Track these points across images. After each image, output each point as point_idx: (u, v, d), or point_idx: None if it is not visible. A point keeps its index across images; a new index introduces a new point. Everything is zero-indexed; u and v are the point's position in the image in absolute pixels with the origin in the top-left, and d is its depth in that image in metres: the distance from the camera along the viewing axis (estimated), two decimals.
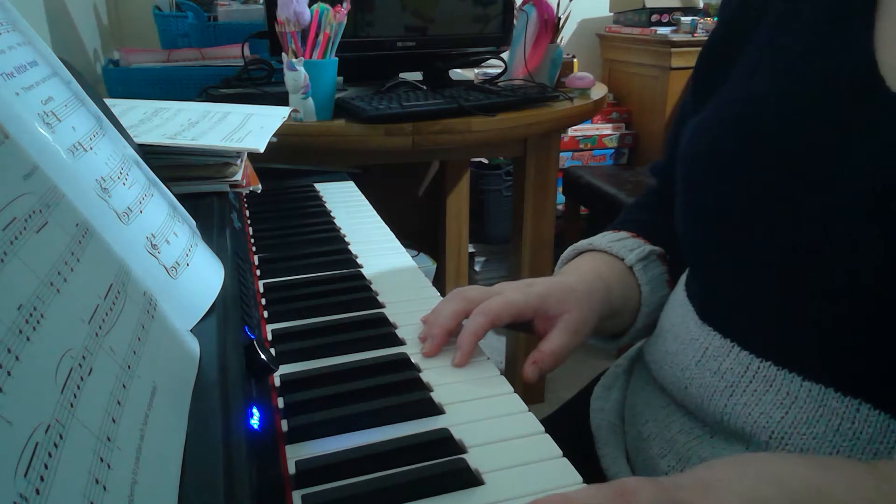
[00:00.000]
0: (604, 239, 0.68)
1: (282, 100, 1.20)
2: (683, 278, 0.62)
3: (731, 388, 0.51)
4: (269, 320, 0.61)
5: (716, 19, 0.66)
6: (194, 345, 0.45)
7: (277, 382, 0.51)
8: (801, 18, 0.53)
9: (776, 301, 0.49)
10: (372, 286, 0.68)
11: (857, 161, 0.45)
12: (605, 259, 0.66)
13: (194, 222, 0.61)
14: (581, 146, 2.49)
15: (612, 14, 2.50)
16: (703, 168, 0.55)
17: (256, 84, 1.39)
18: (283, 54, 1.19)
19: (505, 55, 1.55)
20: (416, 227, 2.20)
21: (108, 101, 0.74)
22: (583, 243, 0.69)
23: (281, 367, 0.53)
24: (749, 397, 0.50)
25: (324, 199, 0.97)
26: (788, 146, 0.49)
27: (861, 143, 0.45)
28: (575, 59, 1.72)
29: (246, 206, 0.90)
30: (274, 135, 0.83)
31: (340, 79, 1.38)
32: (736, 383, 0.51)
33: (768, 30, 0.55)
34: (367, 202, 0.97)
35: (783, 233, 0.48)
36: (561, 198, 2.29)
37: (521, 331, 0.61)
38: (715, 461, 0.42)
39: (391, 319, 0.61)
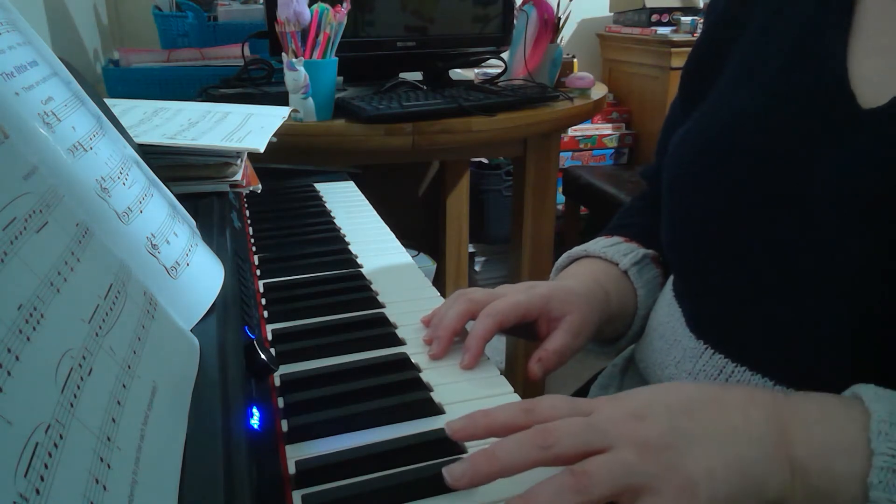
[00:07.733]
0: (598, 245, 0.69)
1: (282, 100, 1.20)
2: (672, 278, 0.62)
3: None
4: (269, 320, 0.61)
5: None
6: (194, 345, 0.45)
7: (277, 382, 0.51)
8: (779, 32, 0.53)
9: (751, 308, 0.50)
10: (372, 286, 0.68)
11: (828, 175, 0.46)
12: (601, 265, 0.67)
13: (194, 222, 0.61)
14: (581, 146, 2.49)
15: (612, 14, 2.50)
16: (685, 182, 0.56)
17: (256, 84, 1.39)
18: (283, 54, 1.19)
19: (505, 55, 1.55)
20: (416, 227, 2.20)
21: (108, 101, 0.74)
22: (577, 250, 0.70)
23: (281, 367, 0.53)
24: None
25: (324, 199, 0.97)
26: (766, 162, 0.50)
27: (832, 157, 0.46)
28: (575, 59, 1.71)
29: (246, 206, 0.90)
30: (274, 135, 0.83)
31: (340, 79, 1.38)
32: None
33: (749, 43, 0.56)
34: (367, 202, 0.97)
35: (759, 244, 0.49)
36: (561, 198, 2.30)
37: (523, 336, 0.61)
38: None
39: (391, 319, 0.61)
